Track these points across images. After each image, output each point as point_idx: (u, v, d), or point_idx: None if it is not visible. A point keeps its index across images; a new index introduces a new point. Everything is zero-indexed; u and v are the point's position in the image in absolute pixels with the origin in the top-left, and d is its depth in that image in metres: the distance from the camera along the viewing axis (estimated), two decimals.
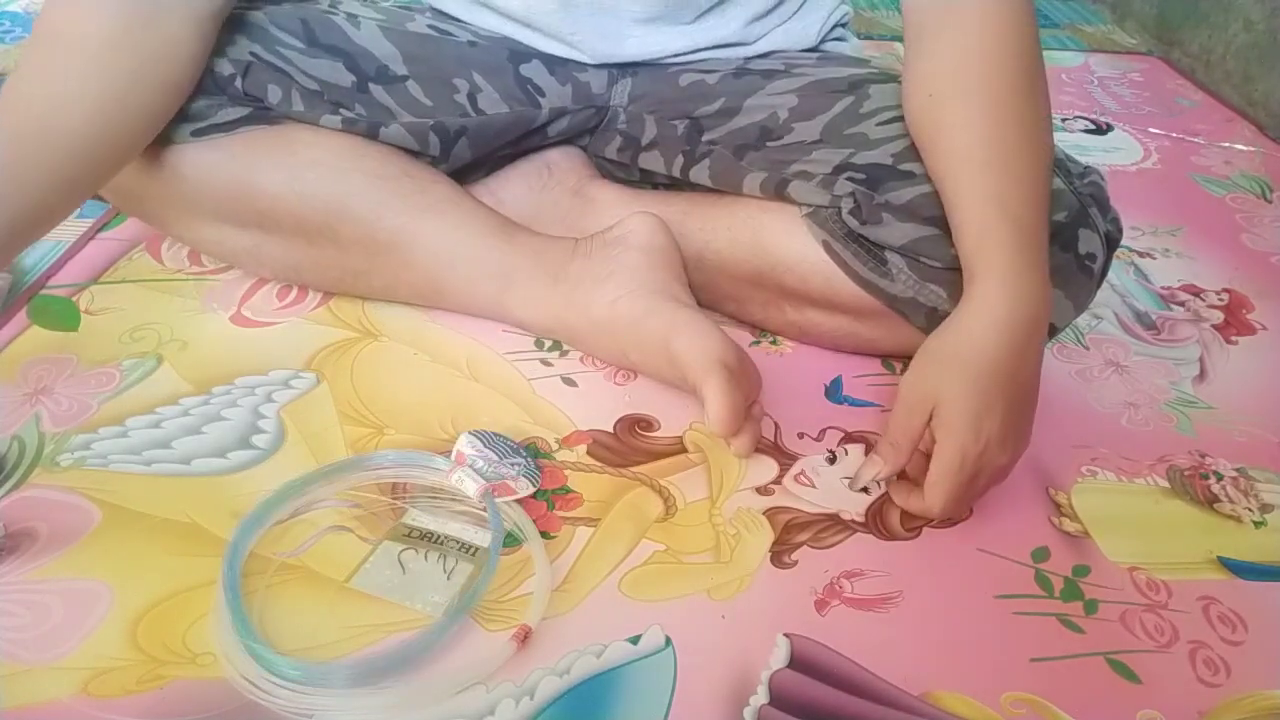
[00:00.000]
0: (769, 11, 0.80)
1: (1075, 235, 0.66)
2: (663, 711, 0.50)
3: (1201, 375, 0.79)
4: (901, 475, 0.61)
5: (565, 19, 0.78)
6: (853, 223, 0.67)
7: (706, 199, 0.76)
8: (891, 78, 0.75)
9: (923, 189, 0.66)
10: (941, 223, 0.64)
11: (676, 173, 0.78)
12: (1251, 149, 1.21)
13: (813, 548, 0.60)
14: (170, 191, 0.71)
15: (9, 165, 0.61)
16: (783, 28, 0.81)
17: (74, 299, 0.78)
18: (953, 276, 0.65)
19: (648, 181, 0.84)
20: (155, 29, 0.64)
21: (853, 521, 0.62)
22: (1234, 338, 0.84)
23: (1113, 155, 1.17)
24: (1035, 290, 0.59)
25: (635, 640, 0.53)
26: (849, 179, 0.68)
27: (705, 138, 0.77)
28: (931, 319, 0.68)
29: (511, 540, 0.59)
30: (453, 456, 0.62)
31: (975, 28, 0.63)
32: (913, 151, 0.67)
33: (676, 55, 0.81)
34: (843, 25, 0.86)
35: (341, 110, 0.72)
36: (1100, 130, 1.25)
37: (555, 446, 0.66)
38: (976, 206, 0.60)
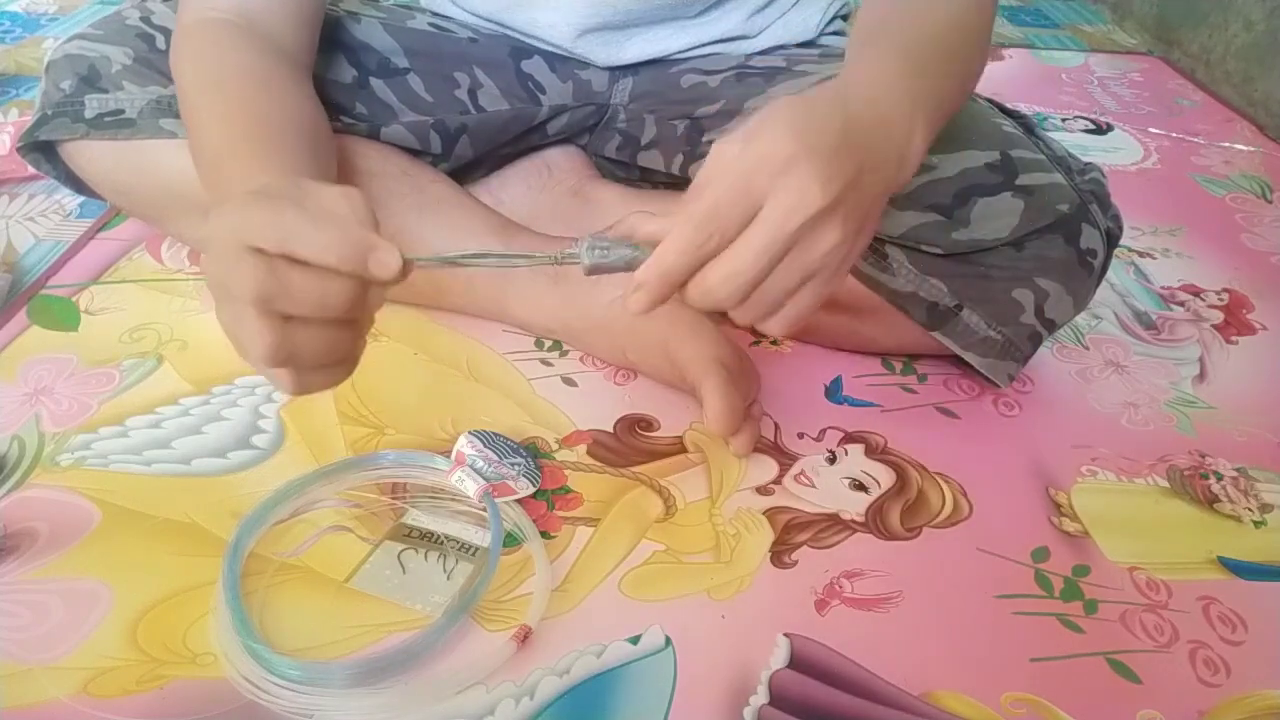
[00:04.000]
0: (769, 3, 0.80)
1: (1078, 230, 0.66)
2: (663, 711, 0.50)
3: (1201, 375, 0.79)
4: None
5: (568, 34, 0.78)
6: None
7: None
8: None
9: (922, 179, 0.65)
10: (943, 209, 0.64)
11: (676, 170, 0.78)
12: (1251, 149, 1.21)
13: (813, 548, 0.60)
14: (169, 188, 0.71)
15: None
16: (783, 20, 0.81)
17: (74, 299, 0.78)
18: (954, 267, 0.66)
19: (647, 180, 0.84)
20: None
21: (853, 521, 0.62)
22: (1234, 338, 0.84)
23: (1113, 155, 1.17)
24: (916, 114, 0.48)
25: (635, 640, 0.53)
26: None
27: (706, 138, 0.77)
28: (933, 314, 0.68)
29: (511, 540, 0.59)
30: (453, 456, 0.62)
31: None
32: None
33: (679, 53, 0.81)
34: (842, 18, 0.86)
35: (341, 117, 0.72)
36: (1100, 130, 1.24)
37: (555, 446, 0.66)
38: (881, 46, 0.53)
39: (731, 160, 0.41)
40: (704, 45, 0.81)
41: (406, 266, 0.40)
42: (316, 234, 0.39)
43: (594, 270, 0.44)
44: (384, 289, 0.42)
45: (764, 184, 0.41)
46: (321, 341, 0.41)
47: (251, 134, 0.54)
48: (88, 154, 0.72)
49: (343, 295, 0.40)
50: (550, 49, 0.80)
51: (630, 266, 0.43)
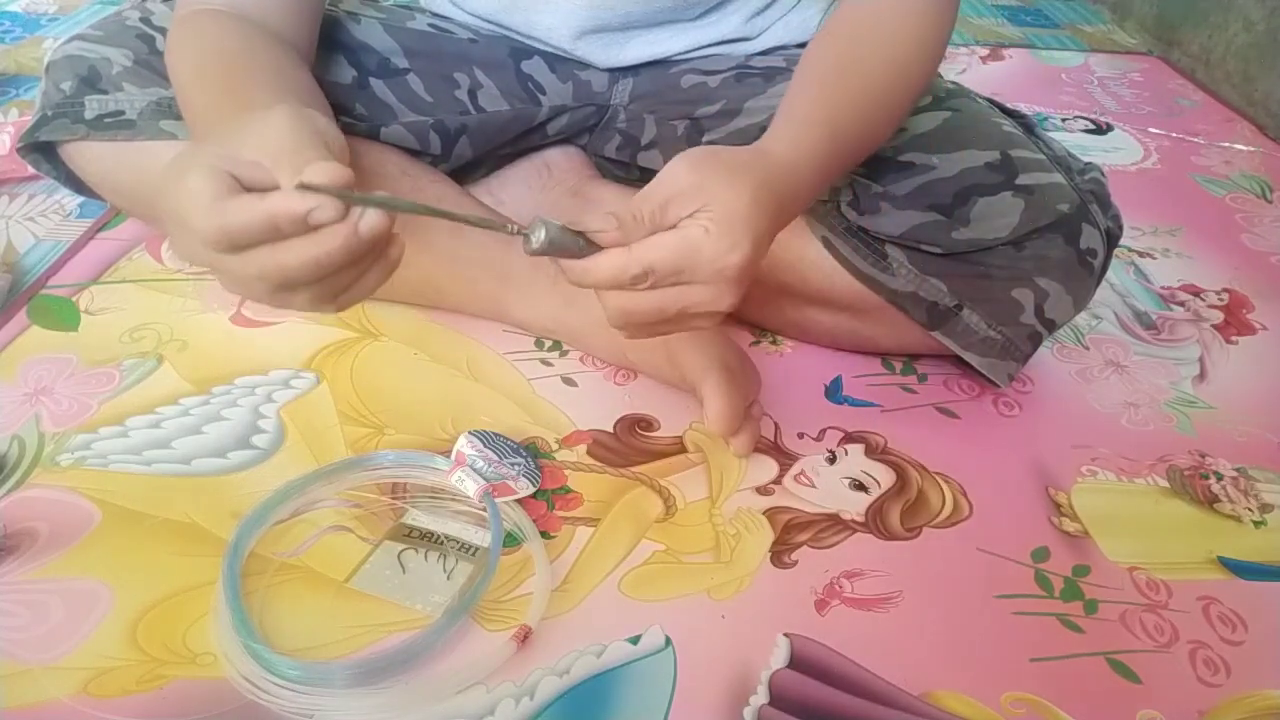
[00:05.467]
0: (769, 5, 0.80)
1: (1078, 230, 0.66)
2: (663, 711, 0.50)
3: (1201, 375, 0.79)
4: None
5: (567, 36, 0.78)
6: (851, 214, 0.67)
7: None
8: None
9: (923, 179, 0.65)
10: (943, 209, 0.64)
11: None
12: (1251, 149, 1.21)
13: (813, 548, 0.60)
14: None
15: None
16: (783, 21, 0.81)
17: (74, 299, 0.78)
18: (953, 266, 0.65)
19: (647, 180, 0.83)
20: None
21: (853, 521, 0.62)
22: (1234, 338, 0.84)
23: (1113, 155, 1.17)
24: (816, 191, 0.55)
25: (635, 640, 0.53)
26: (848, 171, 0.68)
27: (706, 138, 0.76)
28: (933, 313, 0.68)
29: (511, 540, 0.59)
30: (453, 456, 0.62)
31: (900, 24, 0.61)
32: (914, 142, 0.67)
33: (679, 54, 0.81)
34: None
35: (341, 117, 0.72)
36: (1100, 130, 1.24)
37: (555, 446, 0.66)
38: (812, 109, 0.56)
39: (695, 235, 0.46)
40: (704, 47, 0.81)
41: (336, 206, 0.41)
42: (239, 208, 0.40)
43: (539, 252, 0.46)
44: (373, 224, 0.43)
45: (700, 273, 0.46)
46: (319, 283, 0.43)
47: (232, 92, 0.54)
48: (87, 155, 0.72)
49: (295, 252, 0.41)
50: (550, 50, 0.80)
51: (575, 255, 0.47)
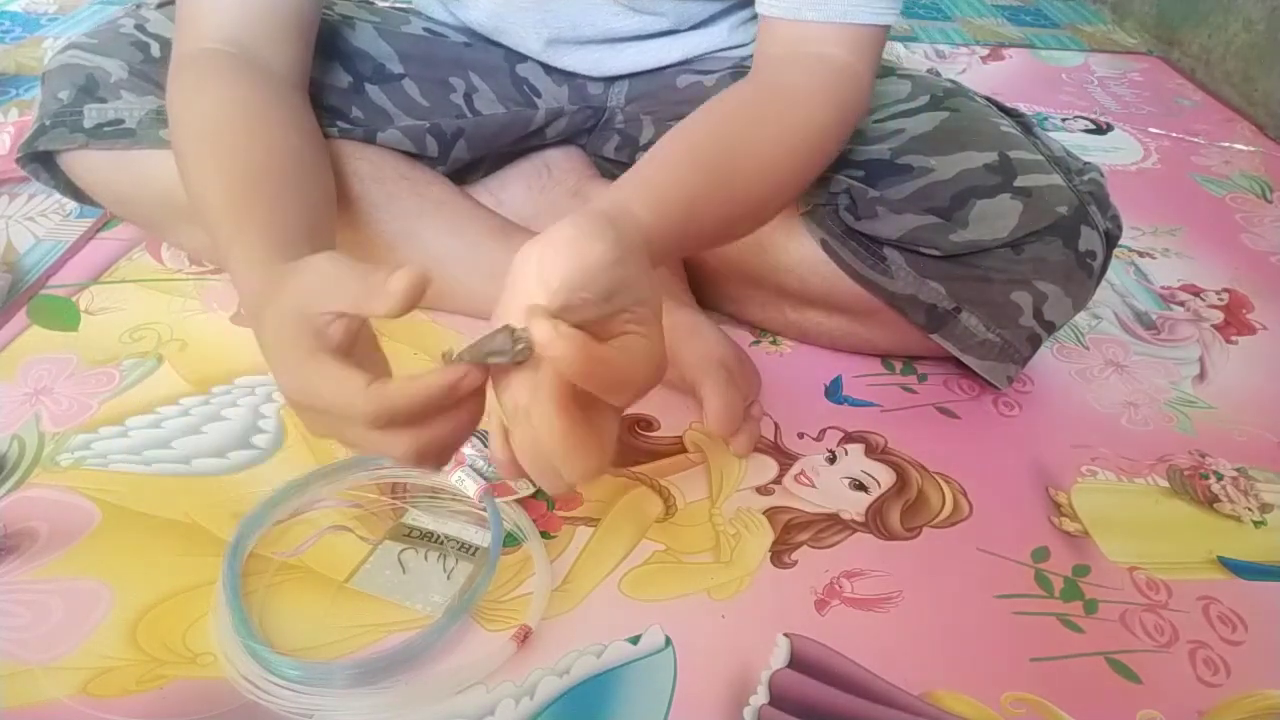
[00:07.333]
0: (753, 17, 0.80)
1: (1076, 232, 0.66)
2: (663, 711, 0.50)
3: (1201, 375, 0.79)
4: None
5: (553, 54, 0.78)
6: (848, 219, 0.67)
7: None
8: (890, 70, 0.75)
9: (920, 182, 0.66)
10: (941, 212, 0.64)
11: None
12: (1251, 149, 1.21)
13: (813, 547, 0.60)
14: (166, 197, 0.71)
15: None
16: None
17: (74, 299, 0.78)
18: (951, 269, 0.65)
19: None
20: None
21: (853, 521, 0.62)
22: (1234, 338, 0.84)
23: (1113, 155, 1.17)
24: None
25: (635, 640, 0.53)
26: (846, 175, 0.68)
27: None
28: (931, 316, 0.68)
29: (511, 540, 0.59)
30: (453, 456, 0.62)
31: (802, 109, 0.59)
32: (912, 144, 0.67)
33: (671, 64, 0.81)
34: None
35: (338, 122, 0.71)
36: (1100, 130, 1.25)
37: None
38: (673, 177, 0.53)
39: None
40: (695, 53, 0.80)
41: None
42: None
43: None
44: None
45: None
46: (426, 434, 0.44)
47: (243, 197, 0.54)
48: (86, 163, 0.72)
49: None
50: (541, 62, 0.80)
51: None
